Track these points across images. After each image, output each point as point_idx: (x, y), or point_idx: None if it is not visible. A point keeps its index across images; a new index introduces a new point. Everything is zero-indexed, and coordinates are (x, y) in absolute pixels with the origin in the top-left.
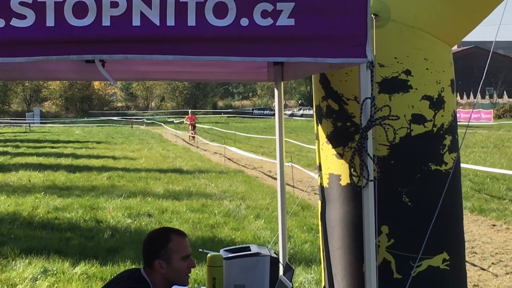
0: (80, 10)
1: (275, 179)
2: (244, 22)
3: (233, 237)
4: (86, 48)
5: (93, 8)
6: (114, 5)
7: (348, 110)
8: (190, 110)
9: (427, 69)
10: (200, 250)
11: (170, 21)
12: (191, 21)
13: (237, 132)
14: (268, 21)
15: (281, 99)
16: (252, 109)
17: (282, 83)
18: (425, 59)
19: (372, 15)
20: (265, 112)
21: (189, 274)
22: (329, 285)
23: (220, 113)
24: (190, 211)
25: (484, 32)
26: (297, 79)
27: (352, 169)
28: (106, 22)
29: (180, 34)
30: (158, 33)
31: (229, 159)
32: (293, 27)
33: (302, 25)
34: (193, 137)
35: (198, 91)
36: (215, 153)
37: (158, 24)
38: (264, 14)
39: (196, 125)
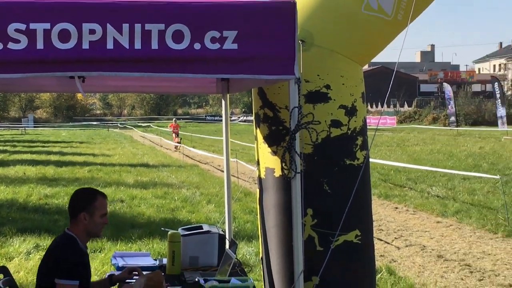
0: (64, 36)
1: (223, 171)
2: (197, 46)
3: (190, 218)
4: (69, 67)
5: (75, 35)
6: (92, 32)
7: (280, 116)
8: (174, 118)
9: (343, 84)
10: (162, 228)
11: (137, 45)
12: (154, 45)
13: (193, 134)
14: (216, 46)
15: (227, 107)
16: (205, 116)
17: (228, 95)
18: (341, 76)
19: (299, 41)
20: (216, 118)
21: (102, 231)
22: (265, 256)
23: (179, 118)
24: (155, 198)
25: (389, 55)
26: (240, 91)
27: (283, 164)
28: (85, 45)
29: (145, 56)
30: (128, 54)
31: (186, 156)
32: (236, 50)
33: (243, 49)
34: (177, 147)
35: (161, 101)
36: (176, 151)
37: (128, 48)
38: (213, 40)
39: (161, 128)
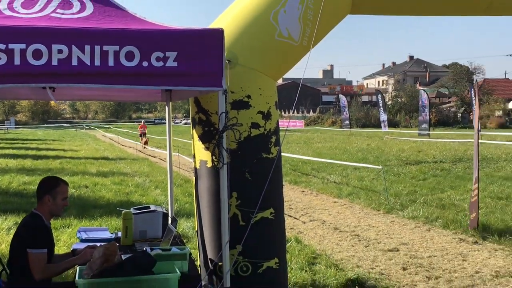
0: (37, 54)
1: (165, 161)
2: (145, 64)
3: (141, 200)
4: (41, 79)
5: (46, 53)
6: (60, 51)
7: (211, 120)
8: (142, 120)
9: (260, 94)
10: (118, 208)
11: (97, 62)
12: (111, 62)
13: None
14: (160, 63)
15: (170, 112)
16: (154, 119)
17: (170, 102)
18: (259, 88)
19: (227, 61)
20: (163, 121)
21: (63, 211)
22: (199, 230)
23: (133, 121)
24: (113, 184)
25: (297, 72)
26: (180, 100)
27: (213, 157)
28: (54, 62)
29: (103, 71)
30: (89, 70)
31: (139, 151)
32: (176, 67)
33: (182, 66)
34: (145, 144)
35: (119, 107)
36: (130, 147)
37: (89, 64)
38: (158, 59)
39: (119, 129)
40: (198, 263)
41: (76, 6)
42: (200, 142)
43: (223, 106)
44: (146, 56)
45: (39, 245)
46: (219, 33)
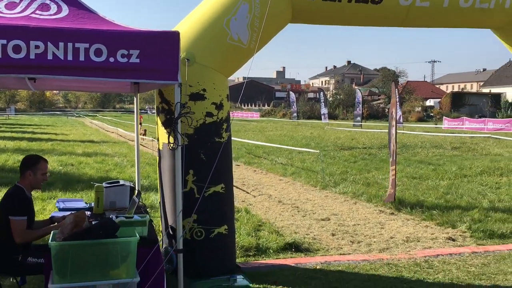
0: (17, 49)
1: (143, 146)
2: (111, 59)
3: (118, 176)
4: (21, 71)
5: (24, 48)
6: (37, 47)
7: (172, 109)
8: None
9: (214, 88)
10: (92, 182)
11: (70, 57)
12: (82, 58)
13: (125, 121)
14: (125, 59)
15: (137, 102)
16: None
17: (138, 94)
18: (213, 83)
19: (186, 59)
20: (142, 111)
21: (42, 184)
22: (162, 200)
23: (117, 111)
24: (96, 163)
25: (256, 72)
26: (146, 91)
27: (171, 139)
28: (32, 56)
29: (75, 65)
30: (62, 64)
31: (120, 135)
32: (138, 63)
33: (143, 62)
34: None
35: (105, 98)
36: (113, 132)
37: (62, 59)
38: (123, 56)
39: (104, 117)
40: (161, 229)
41: (53, 8)
42: (163, 128)
43: (179, 97)
44: (112, 53)
45: (20, 213)
46: (175, 35)
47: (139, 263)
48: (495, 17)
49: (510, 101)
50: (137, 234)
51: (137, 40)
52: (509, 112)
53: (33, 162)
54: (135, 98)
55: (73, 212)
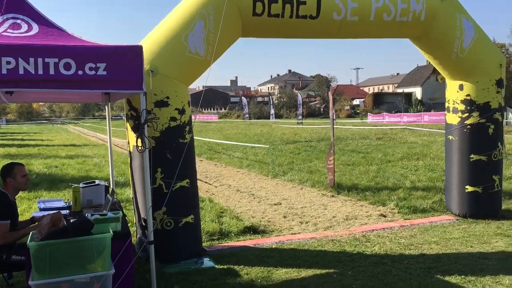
0: None
1: (119, 147)
2: (80, 72)
3: (97, 176)
4: None
5: None
6: (8, 62)
7: (139, 115)
8: None
9: (176, 96)
10: (70, 184)
11: (40, 72)
12: (52, 71)
13: (103, 127)
14: (93, 72)
15: (109, 110)
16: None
17: (109, 103)
18: (175, 91)
19: (150, 71)
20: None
21: (26, 185)
22: (134, 196)
23: (96, 118)
24: (77, 164)
25: (215, 81)
26: (115, 100)
27: (139, 143)
28: (4, 71)
29: (46, 78)
30: (33, 77)
31: (100, 139)
32: (106, 75)
33: (110, 74)
34: None
35: (85, 108)
36: (93, 136)
37: (33, 73)
38: (91, 68)
39: (85, 124)
40: (134, 221)
41: (24, 27)
42: (132, 132)
43: (144, 105)
44: (81, 66)
45: (2, 217)
46: (139, 49)
47: (114, 255)
48: (412, 28)
49: (419, 98)
50: (110, 230)
51: (104, 54)
52: (419, 107)
53: (9, 169)
54: (106, 107)
55: (50, 212)
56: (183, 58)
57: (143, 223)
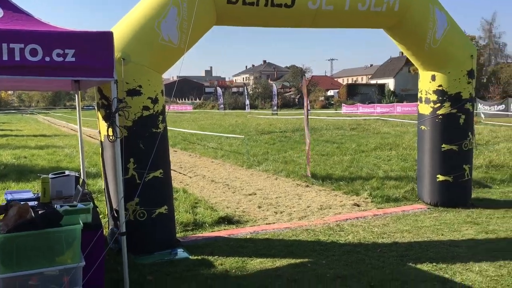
0: None
1: (92, 137)
2: (47, 59)
3: (68, 166)
4: None
5: None
6: None
7: (110, 104)
8: None
9: (149, 84)
10: (38, 174)
11: (5, 57)
12: (17, 57)
13: (74, 117)
14: (61, 59)
15: (79, 99)
16: (83, 106)
17: (79, 91)
18: (148, 80)
19: (122, 59)
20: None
21: None
22: (106, 187)
23: (68, 108)
24: (47, 154)
25: (187, 71)
26: (86, 89)
27: (110, 132)
28: None
29: (11, 65)
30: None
31: (71, 129)
32: (74, 62)
33: (79, 61)
34: None
35: (56, 97)
36: (64, 127)
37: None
38: (58, 55)
39: (56, 114)
40: (106, 212)
41: None
42: (103, 121)
43: (115, 93)
44: (48, 52)
45: None
46: (109, 34)
47: (85, 247)
48: (386, 18)
49: (392, 89)
50: (80, 221)
51: (72, 40)
52: (391, 98)
53: None
54: (76, 96)
55: (16, 203)
56: (156, 45)
57: (115, 214)
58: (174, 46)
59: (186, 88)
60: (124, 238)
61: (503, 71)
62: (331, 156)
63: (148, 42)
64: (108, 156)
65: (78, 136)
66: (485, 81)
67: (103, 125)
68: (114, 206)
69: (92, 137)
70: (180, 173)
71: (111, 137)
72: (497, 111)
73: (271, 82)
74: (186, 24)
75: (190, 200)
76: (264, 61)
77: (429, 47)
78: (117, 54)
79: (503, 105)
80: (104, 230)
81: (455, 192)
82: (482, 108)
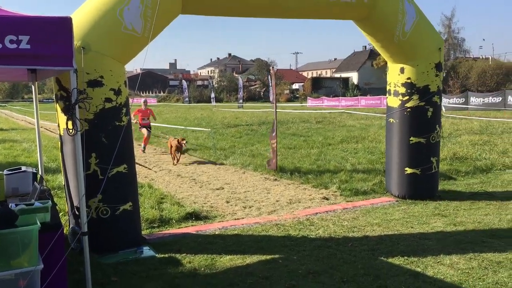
0: None
1: (52, 132)
2: None
3: (26, 161)
4: None
5: None
6: None
7: (69, 95)
8: (143, 100)
9: (111, 75)
10: None
11: None
12: None
13: (32, 110)
14: (14, 45)
15: (36, 90)
16: (43, 99)
17: (36, 82)
18: (110, 70)
19: (81, 47)
20: (49, 100)
21: None
22: (66, 184)
23: (26, 101)
24: (4, 149)
25: (153, 64)
26: (44, 79)
27: (70, 125)
28: None
29: None
30: None
31: (29, 123)
32: (30, 50)
33: (35, 48)
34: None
35: (13, 90)
36: (22, 120)
37: None
38: (11, 42)
39: (14, 107)
40: (67, 210)
41: None
42: (62, 114)
43: (75, 83)
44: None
45: None
46: (67, 20)
47: (43, 249)
48: (356, 10)
49: (355, 83)
50: (38, 222)
51: (27, 26)
52: (355, 92)
53: None
54: (33, 86)
55: None
56: (119, 34)
57: (76, 212)
58: (137, 35)
59: (150, 81)
60: (86, 238)
61: (461, 65)
62: (298, 149)
63: (110, 30)
64: (68, 151)
65: (35, 130)
66: (444, 75)
67: (62, 118)
68: (75, 203)
69: (52, 131)
70: (145, 167)
71: (70, 131)
72: (457, 104)
73: (237, 75)
74: (150, 12)
75: (155, 195)
76: (229, 54)
77: (398, 39)
78: (76, 42)
79: (463, 99)
80: (65, 229)
81: (422, 185)
82: (443, 101)
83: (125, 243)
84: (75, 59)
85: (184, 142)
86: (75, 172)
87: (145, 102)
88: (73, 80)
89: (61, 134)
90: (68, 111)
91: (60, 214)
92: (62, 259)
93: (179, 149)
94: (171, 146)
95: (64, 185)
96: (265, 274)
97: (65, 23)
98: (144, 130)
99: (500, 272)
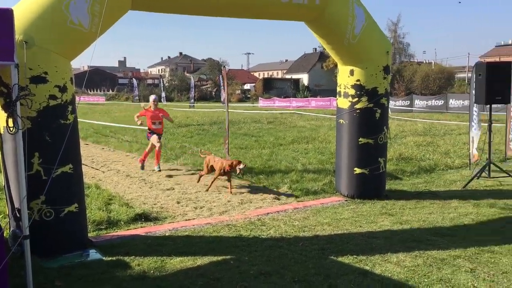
0: None
1: None
2: None
3: None
4: None
5: None
6: None
7: (10, 92)
8: (152, 97)
9: (56, 71)
10: None
11: None
12: None
13: None
14: None
15: None
16: None
17: None
18: (55, 66)
19: (24, 42)
20: None
21: None
22: (6, 185)
23: None
24: None
25: (99, 60)
26: None
27: (10, 123)
28: None
29: None
30: None
31: None
32: None
33: None
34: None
35: None
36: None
37: None
38: None
39: None
40: (7, 212)
41: None
42: (2, 111)
43: (16, 79)
44: None
45: None
46: (8, 12)
47: None
48: (308, 11)
49: (306, 84)
50: None
51: None
52: (306, 93)
53: None
54: None
55: None
56: (64, 29)
57: (17, 214)
58: (84, 30)
59: (98, 79)
60: (28, 241)
61: (406, 69)
62: (250, 150)
63: (55, 25)
64: (9, 150)
65: None
66: (391, 78)
67: (2, 115)
68: (16, 205)
69: None
70: (92, 167)
71: (11, 129)
72: (402, 106)
73: (188, 74)
74: (98, 7)
75: (103, 196)
76: (180, 53)
77: (348, 42)
78: (18, 36)
79: (408, 101)
80: (5, 232)
81: (371, 185)
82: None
83: (70, 246)
84: (17, 54)
85: (241, 167)
86: (16, 172)
87: (155, 100)
88: (14, 76)
89: (1, 132)
90: (9, 108)
91: (0, 216)
92: (3, 263)
93: (228, 174)
94: (211, 167)
95: (4, 186)
96: (216, 275)
97: (6, 15)
98: (154, 139)
99: (444, 269)
